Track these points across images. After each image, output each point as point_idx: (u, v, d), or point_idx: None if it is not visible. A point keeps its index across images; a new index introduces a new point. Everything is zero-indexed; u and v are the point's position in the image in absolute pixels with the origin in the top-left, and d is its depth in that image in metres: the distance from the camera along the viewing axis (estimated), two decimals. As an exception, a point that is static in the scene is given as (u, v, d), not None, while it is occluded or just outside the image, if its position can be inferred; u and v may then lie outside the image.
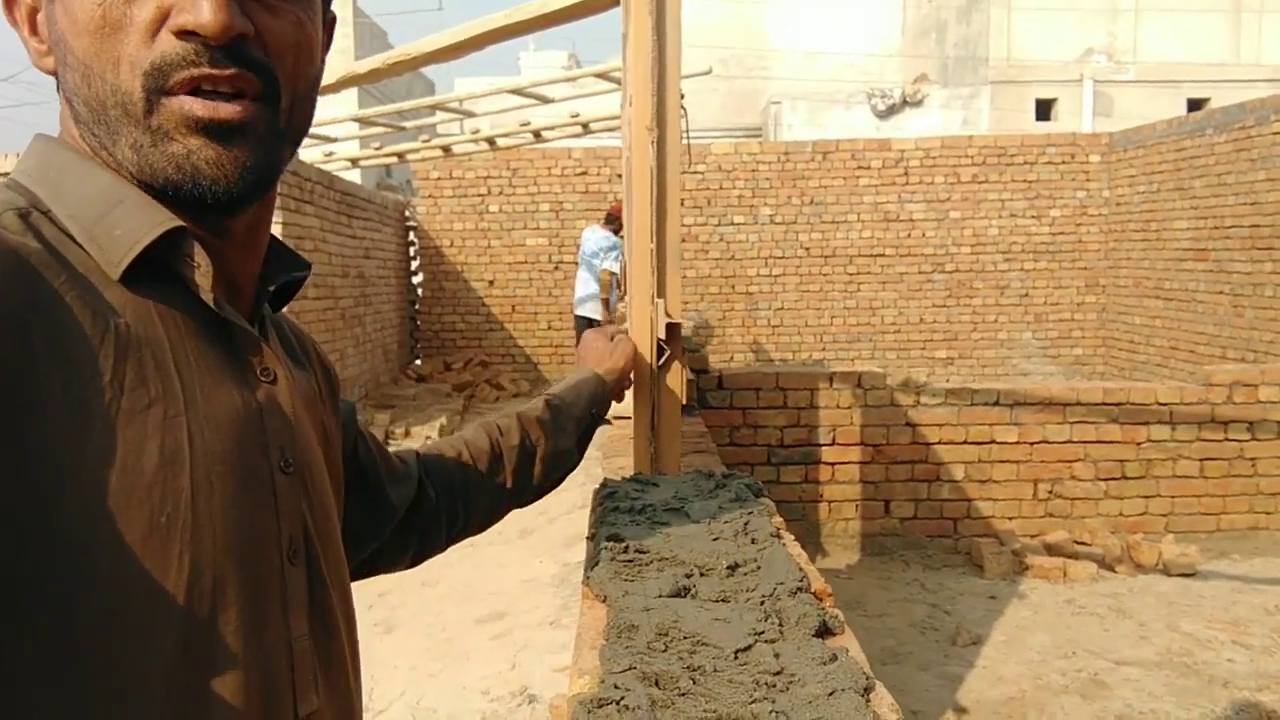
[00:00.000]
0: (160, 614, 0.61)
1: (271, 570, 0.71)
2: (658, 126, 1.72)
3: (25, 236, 0.63)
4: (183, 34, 0.65)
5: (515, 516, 5.20)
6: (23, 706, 0.56)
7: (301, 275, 0.86)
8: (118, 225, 0.67)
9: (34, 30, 0.72)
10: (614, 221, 8.97)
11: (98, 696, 0.58)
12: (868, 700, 0.89)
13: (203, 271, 0.69)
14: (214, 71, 0.67)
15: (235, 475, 0.68)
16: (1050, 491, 5.70)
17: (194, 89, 0.67)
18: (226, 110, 0.68)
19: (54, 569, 0.57)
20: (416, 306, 11.44)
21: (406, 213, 11.29)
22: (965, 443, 5.66)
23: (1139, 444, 5.65)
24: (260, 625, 0.69)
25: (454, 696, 3.94)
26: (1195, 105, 14.34)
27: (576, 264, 9.81)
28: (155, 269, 0.68)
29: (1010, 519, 5.71)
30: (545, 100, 7.96)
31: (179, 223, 0.68)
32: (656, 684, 0.90)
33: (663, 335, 1.72)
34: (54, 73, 0.72)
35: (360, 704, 0.86)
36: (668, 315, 1.72)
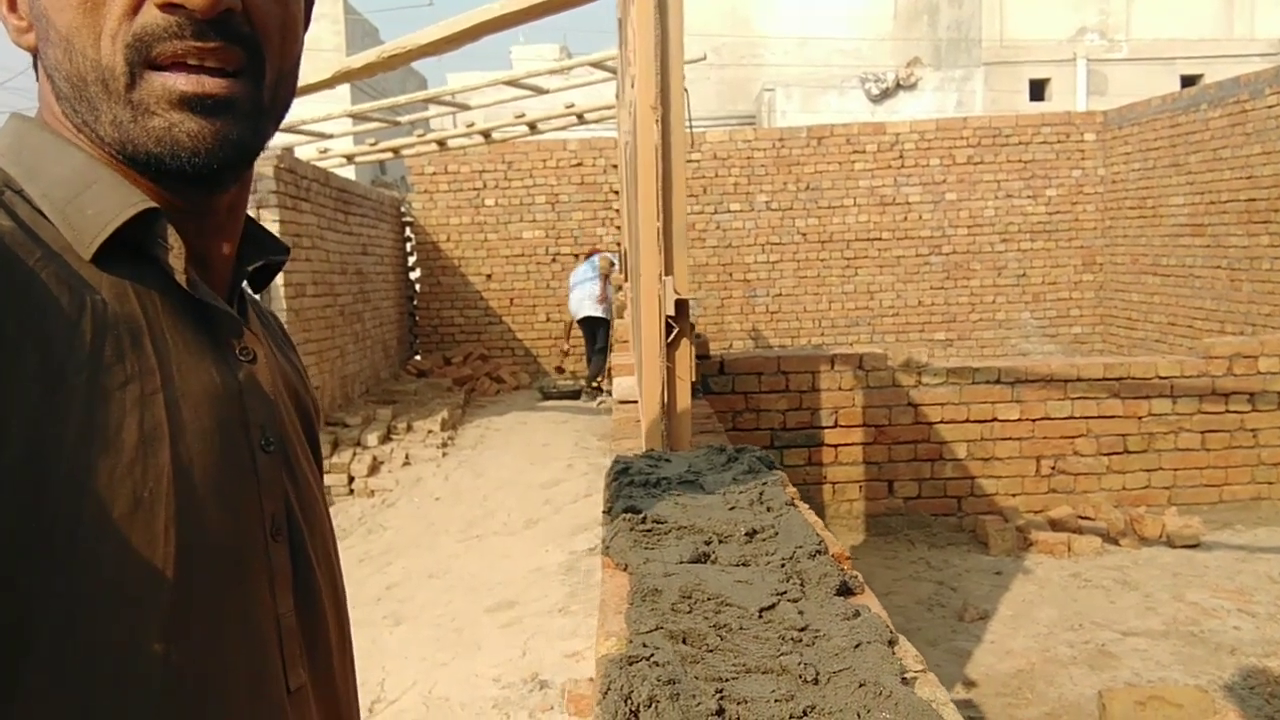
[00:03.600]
0: (150, 588, 0.61)
1: (256, 547, 0.71)
2: (661, 105, 1.72)
3: None
4: (167, 6, 0.65)
5: (520, 507, 5.20)
6: (21, 685, 0.57)
7: (280, 259, 0.86)
8: (90, 205, 0.66)
9: (13, 8, 0.71)
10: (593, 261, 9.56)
11: (92, 670, 0.59)
12: (893, 651, 0.91)
13: (176, 253, 0.69)
14: (199, 45, 0.66)
15: (216, 452, 0.68)
16: (1053, 468, 5.72)
17: (178, 63, 0.66)
18: (212, 85, 0.67)
19: (42, 545, 0.57)
20: (415, 302, 11.44)
21: (402, 208, 11.28)
22: (967, 421, 5.68)
23: (1140, 418, 5.67)
24: (248, 600, 0.69)
25: (466, 685, 3.96)
26: (1189, 81, 14.33)
27: (575, 261, 10.06)
28: (130, 249, 0.68)
29: (1014, 496, 5.74)
30: (539, 92, 7.96)
31: (151, 204, 0.68)
32: (684, 641, 0.91)
33: (671, 313, 1.73)
34: (33, 50, 0.71)
35: (351, 683, 0.87)
36: (676, 292, 1.73)
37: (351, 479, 7.14)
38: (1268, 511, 5.68)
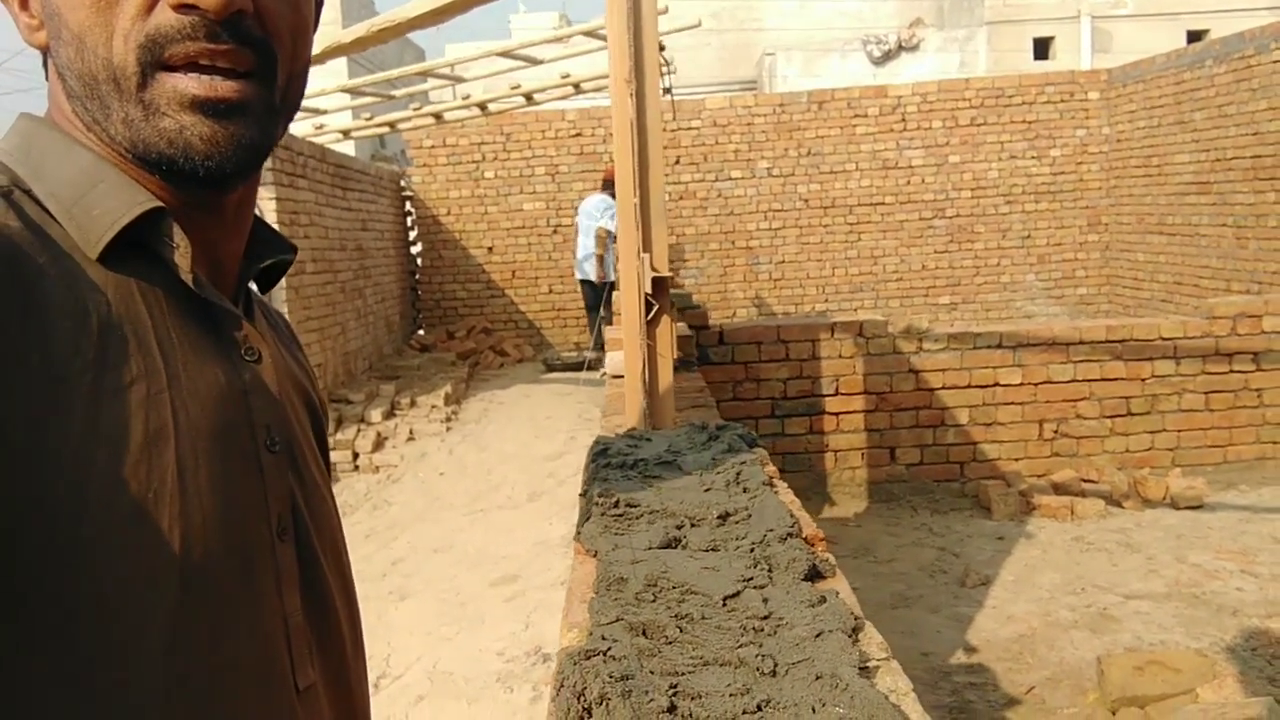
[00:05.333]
0: (154, 589, 0.61)
1: (263, 546, 0.71)
2: (635, 79, 1.69)
3: (6, 216, 0.63)
4: (181, 7, 0.65)
5: (524, 480, 5.20)
6: (25, 682, 0.57)
7: (288, 258, 0.86)
8: (96, 205, 0.67)
9: (24, 6, 0.71)
10: (611, 187, 9.06)
11: (95, 671, 0.59)
12: (855, 640, 0.90)
13: (181, 252, 0.69)
14: (211, 46, 0.67)
15: (221, 452, 0.68)
16: (1056, 431, 5.70)
17: (190, 64, 0.67)
18: (224, 89, 0.68)
19: (45, 546, 0.57)
20: (417, 276, 11.42)
21: (402, 182, 11.23)
22: (969, 386, 5.66)
23: (1144, 380, 5.64)
24: (254, 599, 0.69)
25: (470, 658, 3.99)
26: (1195, 37, 14.14)
27: (576, 231, 9.83)
28: (136, 249, 0.68)
29: (1016, 460, 5.73)
30: (536, 62, 7.89)
31: (157, 203, 0.68)
32: (644, 633, 0.90)
33: (650, 290, 1.71)
34: (45, 48, 0.71)
35: (363, 681, 0.87)
36: (654, 269, 1.71)
37: (356, 455, 7.16)
38: (1272, 471, 5.66)
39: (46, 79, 0.74)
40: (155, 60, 0.66)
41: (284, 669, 0.72)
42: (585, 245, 9.15)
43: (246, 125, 0.69)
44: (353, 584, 0.87)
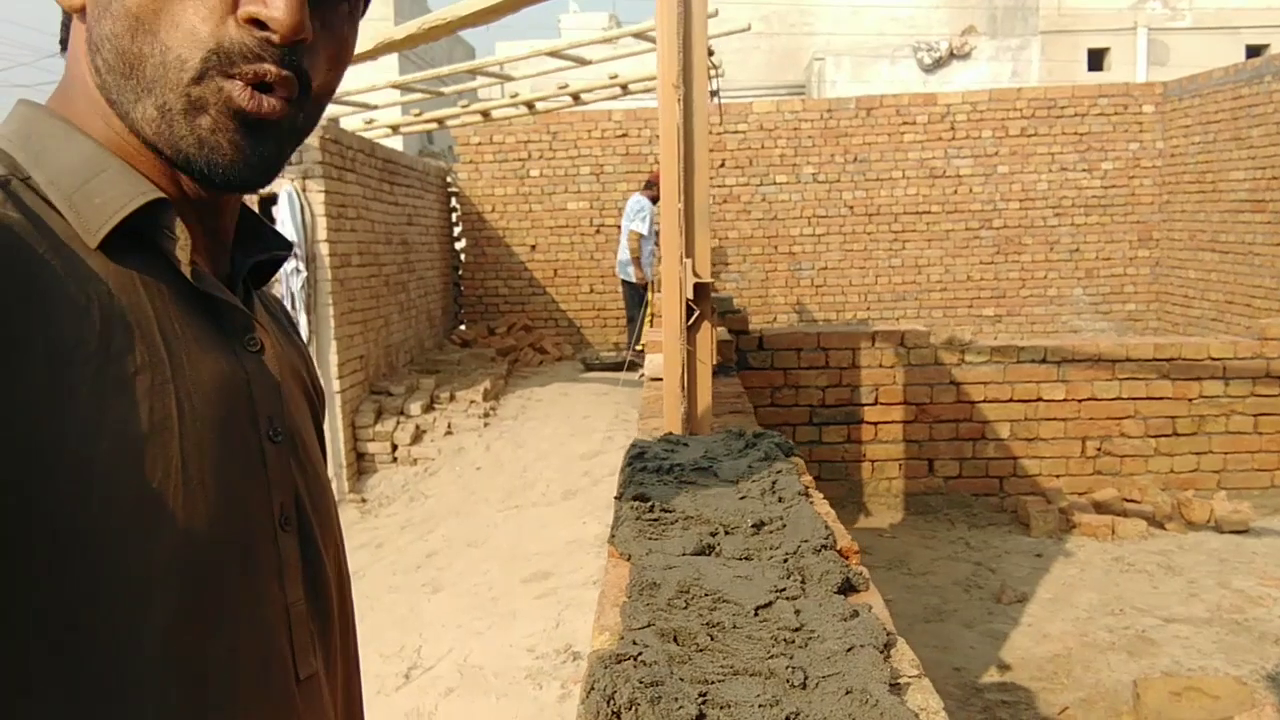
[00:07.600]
0: (155, 579, 0.61)
1: (265, 537, 0.71)
2: (684, 84, 1.69)
3: (5, 206, 0.62)
4: (253, 22, 0.66)
5: (559, 478, 5.22)
6: (26, 676, 0.57)
7: (282, 255, 0.86)
8: (98, 193, 0.66)
9: None
10: (653, 188, 9.08)
11: (97, 660, 0.59)
12: (887, 656, 0.89)
13: (181, 245, 0.69)
14: (274, 70, 0.67)
15: (224, 443, 0.68)
16: (1099, 449, 5.62)
17: (251, 81, 0.67)
18: (268, 106, 0.68)
19: (48, 536, 0.57)
20: (460, 272, 11.50)
21: (448, 178, 11.31)
22: (1011, 401, 5.59)
23: (1191, 400, 5.54)
24: (256, 590, 0.70)
25: (500, 653, 4.01)
26: (1254, 51, 13.86)
27: (618, 228, 9.89)
28: (137, 239, 0.68)
29: (1057, 477, 5.65)
30: (584, 62, 7.90)
31: (160, 194, 0.68)
32: (675, 640, 0.90)
33: (691, 295, 1.71)
34: (79, 10, 0.70)
35: (355, 672, 0.88)
36: (696, 275, 1.71)
37: (395, 447, 7.23)
38: (1321, 498, 5.54)
39: (64, 45, 0.73)
40: (219, 69, 0.66)
41: (285, 659, 0.72)
42: (621, 246, 9.25)
43: (271, 143, 0.70)
44: (347, 574, 0.87)
